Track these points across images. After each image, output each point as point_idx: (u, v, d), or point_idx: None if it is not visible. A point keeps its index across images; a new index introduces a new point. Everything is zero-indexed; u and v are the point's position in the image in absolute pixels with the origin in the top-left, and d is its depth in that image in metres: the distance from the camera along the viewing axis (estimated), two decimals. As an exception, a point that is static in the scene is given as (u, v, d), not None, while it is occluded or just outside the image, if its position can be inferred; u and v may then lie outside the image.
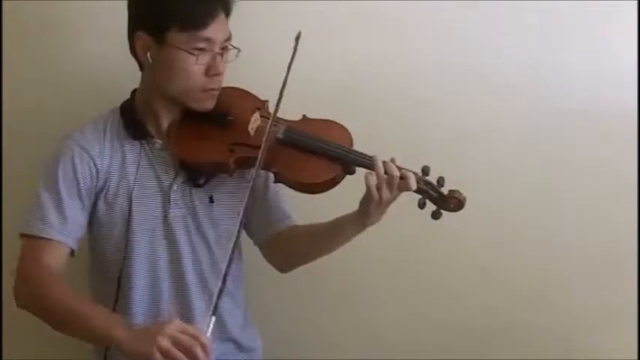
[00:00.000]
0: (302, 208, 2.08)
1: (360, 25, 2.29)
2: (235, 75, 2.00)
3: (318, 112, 2.01)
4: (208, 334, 1.72)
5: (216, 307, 1.74)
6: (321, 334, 2.39)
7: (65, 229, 1.90)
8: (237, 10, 1.96)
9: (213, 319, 1.74)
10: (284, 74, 1.89)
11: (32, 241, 1.90)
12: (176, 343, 1.70)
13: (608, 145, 2.33)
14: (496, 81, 2.32)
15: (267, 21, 2.25)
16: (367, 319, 2.39)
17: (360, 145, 1.95)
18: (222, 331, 2.02)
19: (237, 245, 1.82)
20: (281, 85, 1.89)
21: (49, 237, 1.89)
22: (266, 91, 2.00)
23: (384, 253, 2.34)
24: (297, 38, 1.90)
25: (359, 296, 2.39)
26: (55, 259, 1.89)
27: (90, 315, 1.80)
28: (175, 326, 1.72)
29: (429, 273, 2.37)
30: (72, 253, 1.93)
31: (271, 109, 1.96)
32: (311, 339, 2.38)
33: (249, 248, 2.11)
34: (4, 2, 2.24)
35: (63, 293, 1.83)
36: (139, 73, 2.00)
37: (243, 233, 2.10)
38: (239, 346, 2.07)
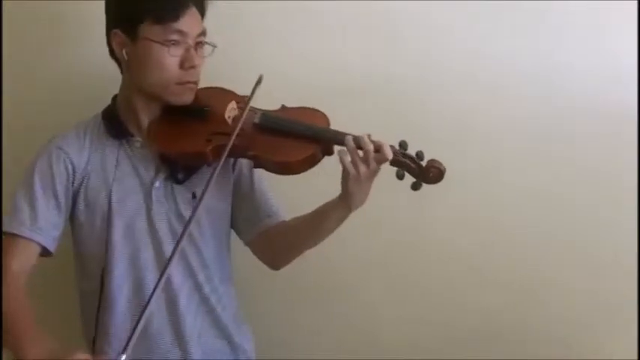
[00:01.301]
0: (290, 202, 2.08)
1: (358, 25, 2.29)
2: (220, 76, 2.02)
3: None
4: None
5: (126, 347, 1.68)
6: (312, 335, 2.39)
7: (36, 226, 1.91)
8: (233, 9, 1.97)
9: (123, 357, 1.68)
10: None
11: (6, 238, 1.92)
12: None
13: (608, 145, 2.33)
14: (496, 81, 2.32)
15: (261, 21, 2.25)
16: (360, 320, 2.40)
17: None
18: (216, 328, 2.03)
19: (183, 237, 1.79)
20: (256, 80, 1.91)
21: (19, 234, 1.90)
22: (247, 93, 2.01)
23: (378, 253, 2.35)
24: (259, 82, 1.91)
25: (352, 297, 2.39)
26: (24, 257, 1.90)
27: (16, 329, 1.81)
28: (80, 356, 1.70)
29: (425, 273, 2.37)
30: (47, 252, 1.93)
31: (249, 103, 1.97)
32: (302, 339, 2.38)
33: (240, 249, 2.11)
34: (4, 2, 2.24)
35: (9, 302, 1.84)
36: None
37: (233, 233, 2.10)
38: (233, 344, 2.06)
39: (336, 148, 1.89)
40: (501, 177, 2.34)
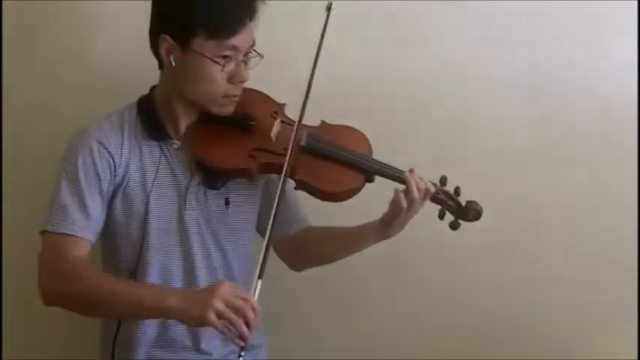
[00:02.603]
0: (317, 211, 2.07)
1: (359, 27, 2.29)
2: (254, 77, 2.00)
3: (328, 114, 2.01)
4: (256, 296, 1.73)
5: (262, 271, 1.73)
6: (324, 334, 2.38)
7: (89, 225, 1.88)
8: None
9: (260, 282, 1.73)
10: (306, 75, 1.89)
11: (57, 238, 1.86)
12: (229, 304, 1.70)
13: (608, 145, 2.33)
14: (496, 81, 2.32)
15: (283, 24, 2.23)
16: (370, 320, 2.39)
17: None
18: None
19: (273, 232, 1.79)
20: (307, 83, 1.88)
21: (74, 234, 1.86)
22: (281, 94, 2.01)
23: (387, 256, 2.33)
24: (329, 9, 1.87)
25: (361, 298, 2.38)
26: (81, 253, 1.87)
27: (137, 292, 1.79)
28: (228, 288, 1.72)
29: (429, 275, 2.37)
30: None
31: (288, 113, 1.96)
32: (314, 339, 2.38)
33: (252, 249, 2.10)
34: (3, 2, 2.23)
35: (102, 278, 1.83)
36: (143, 74, 1.99)
37: (256, 234, 2.09)
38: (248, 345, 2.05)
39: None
40: (500, 177, 2.34)
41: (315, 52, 1.91)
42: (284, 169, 1.83)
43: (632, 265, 2.33)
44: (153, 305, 1.76)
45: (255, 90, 2.00)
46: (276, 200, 1.81)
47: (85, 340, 2.07)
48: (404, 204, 1.85)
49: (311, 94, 1.90)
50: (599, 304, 2.36)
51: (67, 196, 1.88)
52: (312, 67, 1.89)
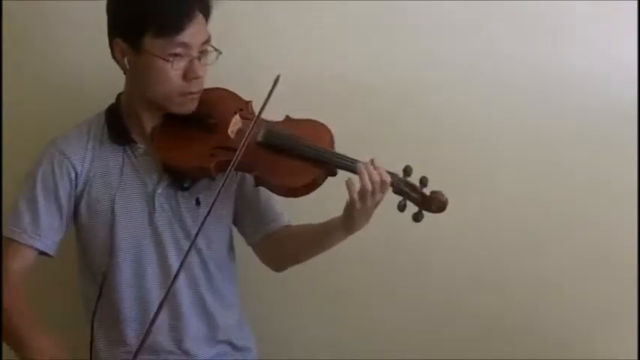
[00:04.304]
0: (290, 208, 2.06)
1: (358, 25, 2.29)
2: (227, 76, 2.00)
3: (309, 113, 2.00)
4: None
5: (153, 321, 1.74)
6: (315, 335, 2.39)
7: (36, 232, 1.91)
8: (231, 9, 1.96)
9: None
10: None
11: (6, 242, 1.92)
12: None
13: (608, 145, 2.33)
14: (496, 81, 2.32)
15: (259, 21, 2.25)
16: (362, 320, 2.39)
17: (352, 147, 1.91)
18: (215, 334, 2.02)
19: (197, 236, 1.80)
20: (263, 100, 1.87)
21: (19, 240, 1.91)
22: (255, 93, 1.99)
23: (379, 254, 2.34)
24: (276, 81, 1.86)
25: (353, 297, 2.39)
26: (22, 262, 1.91)
27: (20, 329, 1.85)
28: None
29: (425, 274, 2.37)
30: (46, 254, 1.94)
31: (254, 109, 1.94)
32: (305, 339, 2.38)
33: (244, 249, 2.11)
34: (4, 2, 2.24)
35: (11, 302, 1.87)
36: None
37: (237, 233, 2.10)
38: (233, 346, 2.06)
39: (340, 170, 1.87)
40: (501, 178, 2.34)
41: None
42: (231, 164, 1.81)
43: (632, 265, 2.33)
44: (20, 350, 1.84)
45: (222, 88, 2.01)
46: (212, 201, 1.79)
47: (84, 341, 2.07)
48: (355, 195, 1.78)
49: (290, 91, 1.91)
50: (600, 303, 2.36)
51: (22, 204, 1.93)
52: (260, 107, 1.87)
